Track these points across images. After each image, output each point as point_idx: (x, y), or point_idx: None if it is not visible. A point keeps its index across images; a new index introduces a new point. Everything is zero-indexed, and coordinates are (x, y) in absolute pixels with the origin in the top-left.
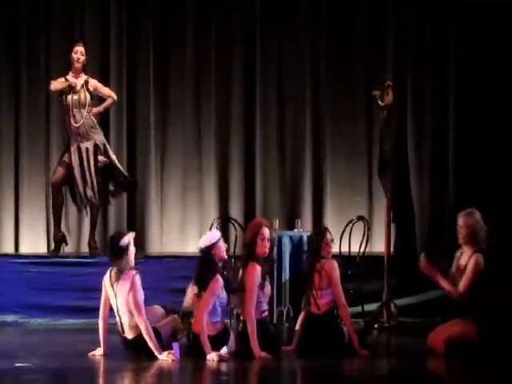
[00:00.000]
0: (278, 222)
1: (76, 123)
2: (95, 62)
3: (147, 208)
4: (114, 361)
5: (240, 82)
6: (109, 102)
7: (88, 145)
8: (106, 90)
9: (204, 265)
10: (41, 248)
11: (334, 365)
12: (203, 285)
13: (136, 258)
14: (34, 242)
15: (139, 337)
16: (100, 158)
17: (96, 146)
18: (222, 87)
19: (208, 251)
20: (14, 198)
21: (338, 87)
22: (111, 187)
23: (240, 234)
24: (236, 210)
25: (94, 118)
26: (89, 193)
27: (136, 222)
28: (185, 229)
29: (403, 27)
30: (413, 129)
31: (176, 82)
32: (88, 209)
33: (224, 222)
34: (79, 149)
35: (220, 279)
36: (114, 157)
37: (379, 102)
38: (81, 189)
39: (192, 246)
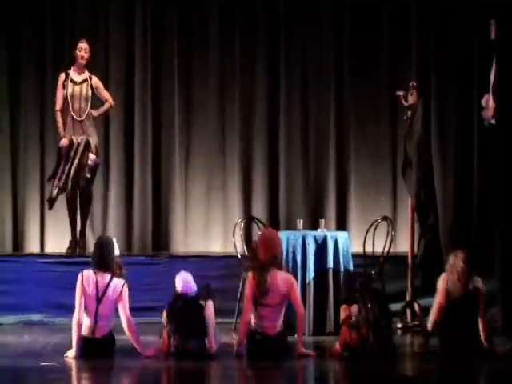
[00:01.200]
0: (301, 221)
1: (77, 116)
2: (120, 61)
3: (171, 207)
4: (138, 360)
5: (264, 83)
6: (106, 106)
7: (80, 140)
8: (105, 93)
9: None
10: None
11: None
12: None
13: None
14: (60, 242)
15: (107, 336)
16: (92, 156)
17: (87, 143)
18: (246, 88)
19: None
20: (40, 198)
21: (361, 88)
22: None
23: None
24: (260, 210)
25: (91, 118)
26: (79, 186)
27: (160, 221)
28: (209, 228)
29: (427, 27)
30: (437, 129)
31: (200, 82)
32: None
33: (248, 222)
34: (71, 141)
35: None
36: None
37: (403, 103)
38: (57, 182)
39: (216, 245)
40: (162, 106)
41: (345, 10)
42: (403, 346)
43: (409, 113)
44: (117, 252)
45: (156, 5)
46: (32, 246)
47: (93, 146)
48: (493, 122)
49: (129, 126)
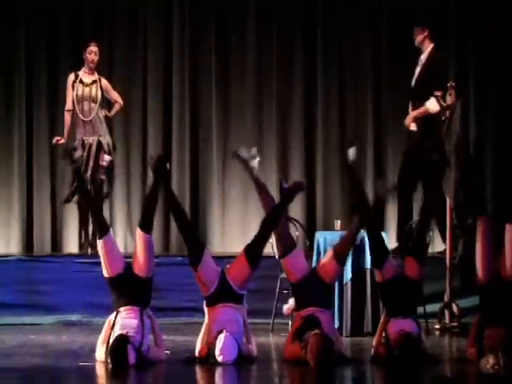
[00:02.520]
0: (339, 222)
1: (84, 117)
2: (158, 62)
3: (208, 208)
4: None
5: (301, 82)
6: (117, 108)
7: (91, 140)
8: (113, 94)
9: None
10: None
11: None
12: None
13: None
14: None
15: None
16: (106, 156)
17: (100, 143)
18: (284, 88)
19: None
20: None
21: (399, 87)
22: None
23: (301, 233)
24: (297, 210)
25: (102, 118)
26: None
27: (198, 222)
28: (246, 229)
29: (465, 27)
30: (475, 129)
31: (238, 82)
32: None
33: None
34: (83, 143)
35: None
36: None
37: (441, 103)
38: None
39: None
40: (200, 105)
41: (382, 9)
42: (441, 347)
43: (447, 113)
44: None
45: (193, 2)
46: (70, 246)
47: (105, 145)
48: (413, 128)
49: (167, 125)
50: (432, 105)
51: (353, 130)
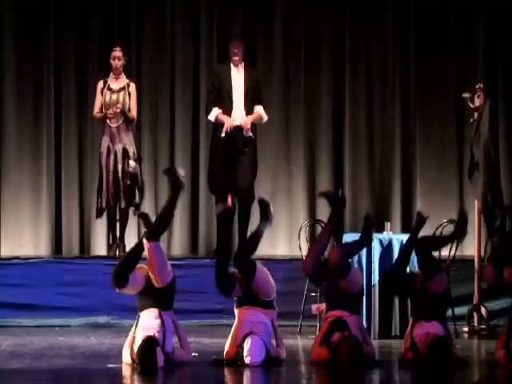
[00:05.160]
0: None
1: (112, 123)
2: (186, 62)
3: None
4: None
5: (329, 86)
6: (130, 115)
7: (117, 148)
8: (133, 105)
9: None
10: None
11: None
12: None
13: None
14: (126, 244)
15: None
16: (131, 162)
17: (125, 150)
18: (311, 91)
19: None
20: (106, 200)
21: (427, 89)
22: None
23: None
24: (325, 213)
25: (129, 127)
26: (111, 197)
27: None
28: (274, 232)
29: (494, 28)
30: (504, 131)
31: (264, 84)
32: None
33: (313, 225)
34: (108, 150)
35: None
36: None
37: (470, 105)
38: (105, 192)
39: (281, 248)
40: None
41: (410, 9)
42: (470, 349)
43: (475, 115)
44: None
45: (221, 4)
46: (99, 248)
47: (131, 153)
48: (250, 134)
49: (194, 127)
50: (264, 113)
51: (381, 133)
